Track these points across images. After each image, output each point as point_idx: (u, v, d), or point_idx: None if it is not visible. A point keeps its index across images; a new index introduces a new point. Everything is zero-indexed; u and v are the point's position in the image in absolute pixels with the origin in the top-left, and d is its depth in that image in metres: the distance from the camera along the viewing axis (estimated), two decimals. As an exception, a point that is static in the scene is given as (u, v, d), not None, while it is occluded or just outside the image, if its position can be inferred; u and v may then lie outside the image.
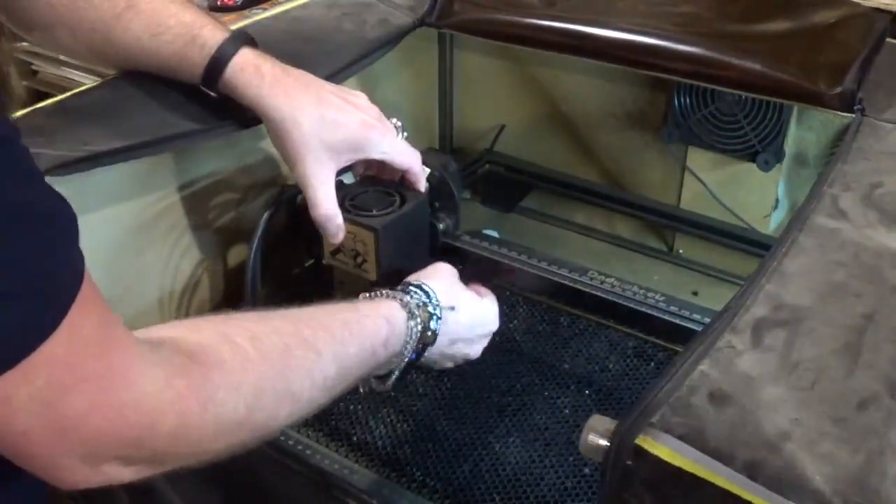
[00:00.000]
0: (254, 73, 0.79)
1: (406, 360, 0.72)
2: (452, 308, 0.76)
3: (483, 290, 0.83)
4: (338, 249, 0.86)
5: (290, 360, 0.59)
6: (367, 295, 0.74)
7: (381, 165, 0.87)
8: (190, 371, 0.51)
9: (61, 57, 1.92)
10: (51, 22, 0.79)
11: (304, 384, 0.60)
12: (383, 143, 0.83)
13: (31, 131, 0.73)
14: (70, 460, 0.47)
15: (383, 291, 0.74)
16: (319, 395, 0.61)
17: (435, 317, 0.74)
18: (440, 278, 0.78)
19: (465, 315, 0.78)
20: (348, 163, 0.83)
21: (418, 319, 0.72)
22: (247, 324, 0.59)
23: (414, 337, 0.72)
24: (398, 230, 0.85)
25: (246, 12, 1.59)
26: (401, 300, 0.73)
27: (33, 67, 2.08)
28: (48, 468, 0.48)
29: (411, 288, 0.75)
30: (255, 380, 0.55)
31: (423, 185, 0.88)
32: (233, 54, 0.79)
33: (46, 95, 1.15)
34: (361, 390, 0.73)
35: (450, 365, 0.81)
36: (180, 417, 0.50)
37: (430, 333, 0.74)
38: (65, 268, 0.45)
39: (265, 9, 1.12)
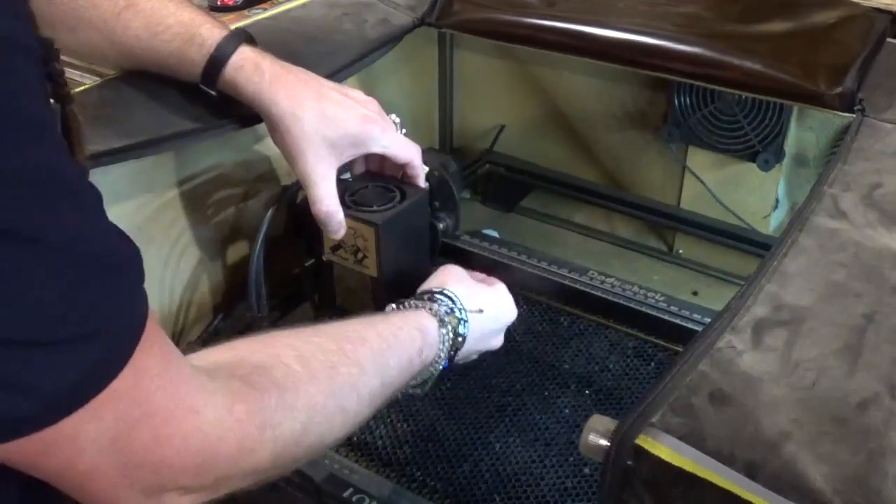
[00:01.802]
0: (253, 71, 0.79)
1: (440, 367, 0.73)
2: (480, 311, 0.77)
3: (491, 279, 0.84)
4: (338, 245, 0.86)
5: (337, 378, 0.60)
6: (394, 307, 0.75)
7: (382, 160, 0.87)
8: (247, 396, 0.52)
9: (61, 56, 1.91)
10: (50, 20, 0.78)
11: (352, 399, 0.60)
12: (384, 138, 0.83)
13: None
14: (131, 494, 0.47)
15: (412, 302, 0.75)
16: (365, 408, 0.62)
17: (462, 321, 0.75)
18: (459, 281, 0.79)
19: (490, 313, 0.79)
20: (350, 158, 0.83)
21: (449, 327, 0.73)
22: (294, 342, 0.60)
23: (447, 345, 0.73)
24: (399, 225, 0.85)
25: (246, 12, 1.58)
26: (430, 309, 0.73)
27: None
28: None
29: (436, 296, 0.75)
30: (307, 400, 0.56)
31: (423, 180, 0.88)
32: (232, 52, 0.79)
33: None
34: (400, 396, 0.74)
35: (474, 357, 0.82)
36: (240, 442, 0.50)
37: (460, 339, 0.75)
38: (132, 308, 0.45)
39: (265, 9, 1.12)
